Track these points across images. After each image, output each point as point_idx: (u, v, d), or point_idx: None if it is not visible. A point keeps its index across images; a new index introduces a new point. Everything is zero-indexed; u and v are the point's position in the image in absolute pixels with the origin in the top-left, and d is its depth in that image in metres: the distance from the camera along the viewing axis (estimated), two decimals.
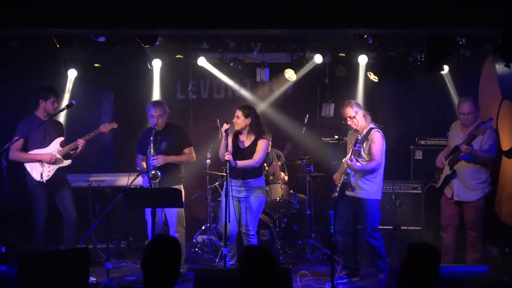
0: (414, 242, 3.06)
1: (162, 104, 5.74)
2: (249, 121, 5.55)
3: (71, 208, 5.95)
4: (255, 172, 5.59)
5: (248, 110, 5.60)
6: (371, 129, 5.45)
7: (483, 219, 5.65)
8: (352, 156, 5.37)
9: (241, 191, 5.54)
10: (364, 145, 5.41)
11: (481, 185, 5.60)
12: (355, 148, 5.39)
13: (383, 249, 5.51)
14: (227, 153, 5.37)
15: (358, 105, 5.54)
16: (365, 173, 5.42)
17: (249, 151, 5.56)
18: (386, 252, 5.61)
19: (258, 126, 5.60)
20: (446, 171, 5.70)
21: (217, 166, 6.65)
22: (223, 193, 5.70)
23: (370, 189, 5.44)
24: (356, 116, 5.45)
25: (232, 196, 5.47)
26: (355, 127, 5.51)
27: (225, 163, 5.47)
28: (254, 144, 5.57)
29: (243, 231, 5.55)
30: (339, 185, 5.57)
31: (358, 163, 5.39)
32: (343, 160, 5.49)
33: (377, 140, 5.38)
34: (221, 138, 5.57)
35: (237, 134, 5.67)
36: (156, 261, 2.85)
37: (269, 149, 6.04)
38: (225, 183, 5.58)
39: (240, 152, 5.58)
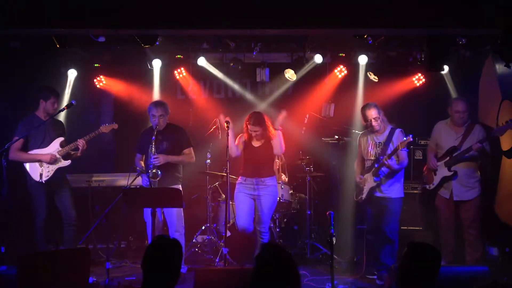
0: (414, 242, 3.05)
1: (164, 104, 5.78)
2: (264, 126, 5.60)
3: (71, 208, 5.94)
4: (270, 170, 5.68)
5: (261, 120, 5.60)
6: (392, 129, 5.51)
7: (480, 217, 5.68)
8: (393, 156, 5.40)
9: (256, 189, 5.58)
10: (390, 145, 5.47)
11: (477, 184, 5.68)
12: (388, 151, 5.43)
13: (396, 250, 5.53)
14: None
15: (378, 106, 5.58)
16: (393, 173, 5.48)
17: (263, 149, 5.63)
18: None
19: (269, 128, 5.64)
20: (444, 172, 5.71)
21: (217, 166, 6.65)
22: (236, 190, 5.71)
23: (397, 188, 5.52)
24: (380, 117, 5.52)
25: (242, 193, 5.59)
26: (378, 128, 5.54)
27: (225, 163, 5.52)
28: (267, 143, 5.63)
29: (258, 228, 5.59)
30: (365, 188, 5.61)
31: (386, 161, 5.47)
32: (379, 160, 5.45)
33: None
34: (226, 135, 5.58)
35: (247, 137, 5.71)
36: (156, 262, 2.87)
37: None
38: (237, 181, 5.69)
39: (253, 150, 5.63)
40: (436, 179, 5.78)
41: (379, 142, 5.55)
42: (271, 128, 5.65)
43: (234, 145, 5.60)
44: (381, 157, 5.42)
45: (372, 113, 5.49)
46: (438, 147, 5.85)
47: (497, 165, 6.22)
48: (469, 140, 5.57)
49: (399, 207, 5.53)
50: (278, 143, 5.59)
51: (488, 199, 6.29)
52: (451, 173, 5.65)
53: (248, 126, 5.60)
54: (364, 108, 5.59)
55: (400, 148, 5.32)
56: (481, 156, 5.59)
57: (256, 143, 5.68)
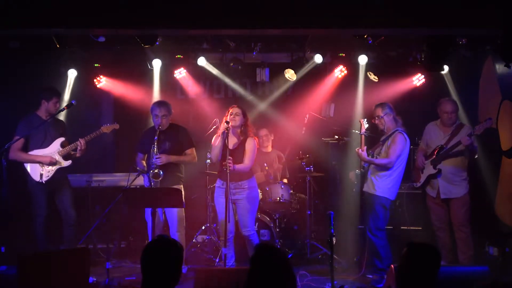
0: (414, 242, 3.05)
1: (167, 104, 5.78)
2: (245, 120, 5.57)
3: (70, 208, 5.94)
4: (248, 173, 5.57)
5: (244, 109, 5.64)
6: (394, 131, 5.56)
7: (470, 215, 5.71)
8: (365, 147, 5.51)
9: (235, 193, 5.51)
10: (386, 144, 5.55)
11: (464, 182, 5.71)
12: (382, 151, 5.56)
13: (383, 250, 5.52)
14: (229, 159, 5.30)
15: (390, 107, 5.66)
16: (377, 169, 5.53)
17: (238, 152, 5.52)
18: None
19: (248, 125, 5.61)
20: (429, 170, 5.76)
21: (217, 166, 6.64)
22: (216, 195, 5.67)
23: (380, 185, 5.53)
24: (384, 117, 5.60)
25: (222, 198, 5.49)
26: (382, 127, 5.67)
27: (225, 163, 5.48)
28: (242, 145, 5.54)
29: (243, 231, 5.55)
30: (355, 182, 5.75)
31: (375, 157, 5.54)
32: (355, 149, 5.63)
33: (397, 141, 5.49)
34: (217, 137, 5.53)
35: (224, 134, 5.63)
36: (153, 262, 2.83)
37: (270, 148, 5.89)
38: (216, 185, 5.66)
39: (229, 152, 5.53)
40: (423, 177, 5.83)
41: (381, 142, 5.66)
42: (251, 127, 5.60)
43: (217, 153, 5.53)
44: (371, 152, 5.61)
45: (377, 111, 5.66)
46: (428, 147, 5.89)
47: (497, 165, 6.22)
48: (456, 140, 5.60)
49: (380, 206, 5.51)
50: (249, 150, 5.48)
51: (488, 199, 6.30)
52: (436, 171, 5.70)
53: (230, 109, 5.53)
54: (375, 106, 5.75)
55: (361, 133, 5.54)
56: (467, 152, 5.58)
57: (231, 144, 5.53)
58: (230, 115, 5.52)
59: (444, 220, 5.79)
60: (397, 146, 5.47)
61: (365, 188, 5.67)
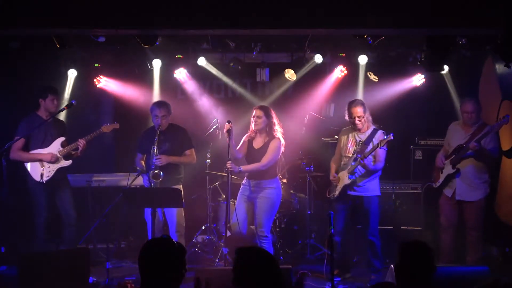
0: (405, 241, 3.08)
1: (166, 105, 5.78)
2: (269, 121, 5.51)
3: (71, 208, 5.94)
4: (268, 173, 5.51)
5: (268, 110, 5.56)
6: (375, 130, 5.50)
7: (483, 219, 5.66)
8: (370, 156, 5.43)
9: (253, 192, 5.51)
10: (371, 145, 5.48)
11: (483, 185, 5.63)
12: (367, 150, 5.44)
13: (381, 250, 5.55)
14: (228, 161, 5.35)
15: (365, 105, 5.60)
16: (368, 173, 5.51)
17: (261, 153, 5.50)
18: (387, 252, 5.63)
19: (274, 126, 5.53)
20: (448, 170, 5.69)
21: (217, 166, 6.65)
22: (239, 192, 5.67)
23: (372, 187, 5.54)
24: (365, 116, 5.53)
25: (242, 195, 5.54)
26: (361, 126, 5.56)
27: (225, 163, 5.48)
28: (266, 146, 5.51)
29: (257, 231, 5.53)
30: (338, 185, 5.59)
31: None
32: (356, 158, 5.49)
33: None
34: (227, 135, 5.50)
35: (251, 135, 5.63)
36: (150, 263, 2.75)
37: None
38: (242, 183, 5.63)
39: (253, 153, 5.56)
40: (442, 177, 5.77)
41: (359, 141, 5.55)
42: (276, 127, 5.54)
43: (235, 150, 5.52)
44: (358, 156, 5.43)
45: (358, 110, 5.52)
46: (450, 147, 5.82)
47: (497, 165, 6.22)
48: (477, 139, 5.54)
49: (375, 205, 5.54)
50: (270, 151, 5.43)
51: (488, 199, 6.30)
52: (454, 170, 5.63)
53: (254, 110, 5.54)
54: (350, 104, 5.60)
55: (379, 146, 5.34)
56: (480, 156, 5.54)
57: (257, 145, 5.59)
58: (253, 117, 5.52)
59: (452, 222, 5.73)
60: (384, 148, 5.47)
61: (352, 193, 5.58)
